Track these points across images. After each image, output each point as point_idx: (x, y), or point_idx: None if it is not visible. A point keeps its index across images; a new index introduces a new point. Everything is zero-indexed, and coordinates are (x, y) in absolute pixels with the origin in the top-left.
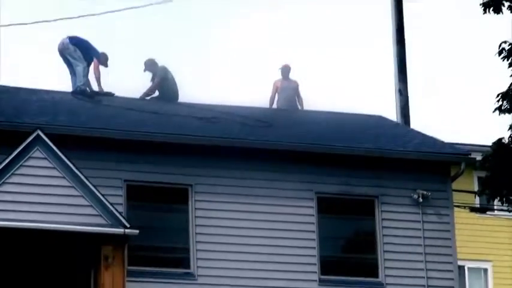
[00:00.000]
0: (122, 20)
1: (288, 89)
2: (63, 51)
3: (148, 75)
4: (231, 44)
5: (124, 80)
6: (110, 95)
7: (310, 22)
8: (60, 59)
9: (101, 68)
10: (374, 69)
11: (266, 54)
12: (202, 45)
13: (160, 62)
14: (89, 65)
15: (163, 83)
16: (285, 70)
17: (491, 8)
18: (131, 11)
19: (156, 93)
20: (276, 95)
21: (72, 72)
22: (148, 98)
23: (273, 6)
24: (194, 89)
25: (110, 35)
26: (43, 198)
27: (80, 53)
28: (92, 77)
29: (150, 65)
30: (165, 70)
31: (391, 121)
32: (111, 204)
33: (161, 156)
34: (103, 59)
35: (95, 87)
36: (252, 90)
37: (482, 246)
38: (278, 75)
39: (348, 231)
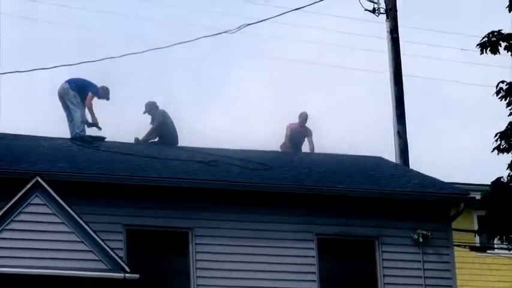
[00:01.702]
0: (120, 65)
1: (301, 137)
2: (63, 96)
3: (148, 117)
4: (231, 87)
5: (123, 124)
6: (101, 139)
7: (307, 63)
8: (59, 103)
9: (104, 101)
10: (373, 112)
11: (264, 97)
12: (203, 89)
13: (161, 106)
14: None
15: (162, 127)
16: (303, 117)
17: (488, 49)
18: (130, 57)
19: (157, 138)
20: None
21: (70, 118)
22: (147, 142)
23: (269, 49)
24: (195, 133)
25: (108, 81)
26: (43, 244)
27: (79, 99)
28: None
29: (150, 108)
30: (164, 114)
31: (391, 162)
32: (111, 249)
33: (161, 200)
34: (104, 93)
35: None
36: (254, 134)
37: (483, 285)
38: (288, 120)
39: (349, 272)
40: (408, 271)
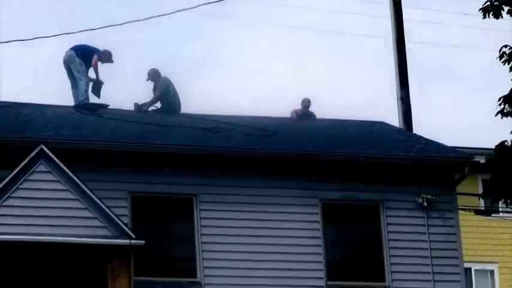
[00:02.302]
0: (122, 33)
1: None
2: (68, 63)
3: (151, 84)
4: (233, 54)
5: (127, 92)
6: (104, 106)
7: (309, 30)
8: (64, 71)
9: (108, 65)
10: (376, 78)
11: (266, 63)
12: (204, 56)
13: (163, 73)
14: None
15: (165, 94)
16: (306, 103)
17: (491, 13)
18: (131, 24)
19: (159, 104)
20: None
21: (74, 85)
22: (150, 109)
23: (270, 16)
24: (197, 100)
25: (110, 49)
26: (48, 212)
27: (84, 67)
28: (91, 73)
29: (153, 75)
30: (166, 81)
31: (394, 127)
32: (116, 215)
33: (165, 167)
34: (107, 57)
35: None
36: (257, 100)
37: (488, 248)
38: (296, 105)
39: (354, 236)
40: (413, 235)
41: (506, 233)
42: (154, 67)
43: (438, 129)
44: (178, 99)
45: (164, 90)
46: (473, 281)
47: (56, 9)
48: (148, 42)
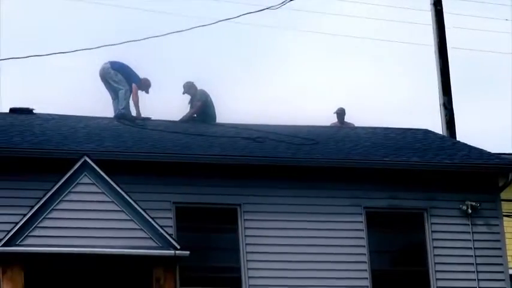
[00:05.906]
0: (164, 44)
1: None
2: (104, 76)
3: (187, 97)
4: (276, 63)
5: (168, 103)
6: (147, 120)
7: (350, 38)
8: (102, 85)
9: (142, 93)
10: (419, 85)
11: (309, 72)
12: (247, 66)
13: (200, 85)
14: (129, 90)
15: (204, 106)
16: (341, 114)
17: None
18: (174, 35)
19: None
20: None
21: (114, 97)
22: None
23: (313, 24)
24: (238, 110)
25: (152, 60)
26: (93, 223)
27: (121, 76)
28: (131, 102)
29: (189, 88)
30: (204, 93)
31: (437, 134)
32: (160, 226)
33: (209, 177)
34: (144, 85)
35: (134, 113)
36: (301, 109)
37: None
38: (333, 118)
39: (398, 244)
40: (458, 242)
41: None
42: (190, 80)
43: (481, 136)
44: (215, 112)
45: (203, 102)
46: None
47: (96, 22)
48: (187, 52)
